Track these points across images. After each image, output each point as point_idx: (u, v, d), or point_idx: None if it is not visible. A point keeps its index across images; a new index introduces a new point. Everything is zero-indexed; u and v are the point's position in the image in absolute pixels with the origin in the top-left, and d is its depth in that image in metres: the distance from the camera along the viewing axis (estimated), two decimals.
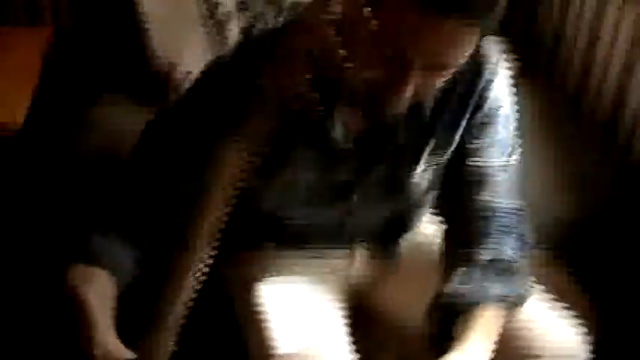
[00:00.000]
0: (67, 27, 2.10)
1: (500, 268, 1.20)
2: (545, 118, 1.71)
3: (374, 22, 0.94)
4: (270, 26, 1.51)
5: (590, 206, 1.59)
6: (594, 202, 1.60)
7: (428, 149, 1.19)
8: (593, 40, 1.81)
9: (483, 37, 1.00)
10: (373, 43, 0.96)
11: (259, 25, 1.72)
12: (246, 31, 1.74)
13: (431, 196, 1.33)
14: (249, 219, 1.22)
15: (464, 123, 1.20)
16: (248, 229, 1.25)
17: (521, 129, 1.25)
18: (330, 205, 1.23)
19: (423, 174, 1.23)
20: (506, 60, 1.20)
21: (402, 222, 1.34)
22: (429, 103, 1.14)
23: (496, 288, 1.18)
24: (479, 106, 1.19)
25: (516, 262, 1.22)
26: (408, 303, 1.32)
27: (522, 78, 1.45)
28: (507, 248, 1.22)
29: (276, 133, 1.05)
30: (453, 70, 1.03)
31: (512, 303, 1.19)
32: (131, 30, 1.77)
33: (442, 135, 1.19)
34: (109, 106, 1.77)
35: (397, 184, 1.23)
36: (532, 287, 1.22)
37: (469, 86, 1.17)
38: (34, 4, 2.35)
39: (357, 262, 1.36)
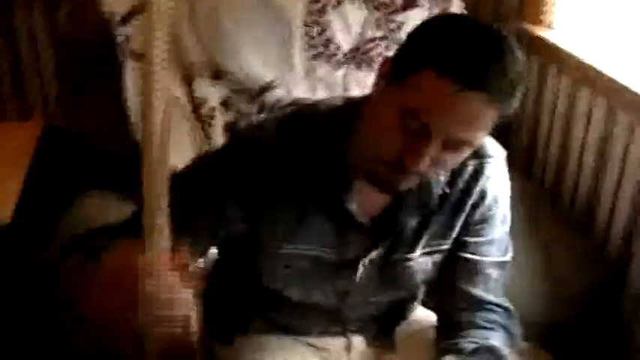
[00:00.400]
0: (57, 123, 2.18)
1: (486, 358, 1.23)
2: (525, 217, 1.76)
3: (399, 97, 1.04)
4: (254, 121, 1.60)
5: (569, 305, 1.63)
6: (572, 301, 1.63)
7: (426, 236, 1.24)
8: (567, 138, 1.89)
9: (498, 121, 1.06)
10: (390, 120, 1.04)
11: (242, 121, 1.81)
12: (230, 127, 1.80)
13: (425, 287, 1.38)
14: (248, 292, 1.27)
15: (462, 216, 1.25)
16: (244, 304, 1.30)
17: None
18: (331, 281, 1.25)
19: (419, 260, 1.26)
20: (504, 161, 1.27)
21: (397, 310, 1.38)
22: (435, 189, 1.20)
23: None
24: (478, 204, 1.25)
25: (502, 353, 1.24)
26: None
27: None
28: (494, 340, 1.25)
29: (297, 207, 1.16)
30: (468, 151, 1.09)
31: None
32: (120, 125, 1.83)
33: (441, 225, 1.25)
34: (96, 199, 1.81)
35: (394, 268, 1.26)
36: None
37: (470, 181, 1.23)
38: (25, 101, 2.45)
39: (353, 352, 1.38)
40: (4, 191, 1.73)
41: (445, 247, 1.28)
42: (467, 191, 1.24)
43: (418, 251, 1.26)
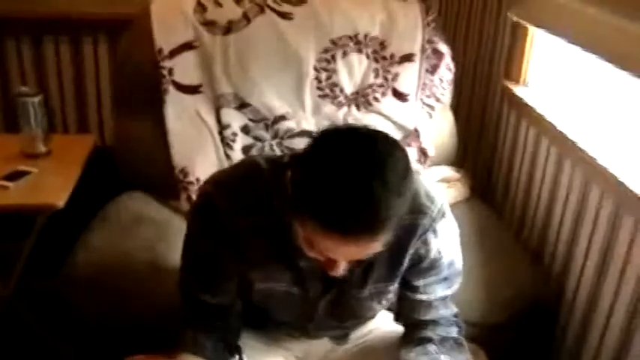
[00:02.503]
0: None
1: (450, 345, 1.42)
2: (474, 231, 2.03)
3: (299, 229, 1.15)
4: (268, 151, 1.86)
5: (503, 308, 1.88)
6: (507, 305, 1.88)
7: (371, 280, 1.36)
8: (531, 179, 2.20)
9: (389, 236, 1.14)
10: (304, 242, 1.17)
11: (258, 146, 2.17)
12: (246, 151, 2.17)
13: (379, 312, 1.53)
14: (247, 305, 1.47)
15: (404, 264, 1.35)
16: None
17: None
18: (299, 310, 1.42)
19: (369, 298, 1.40)
20: (445, 209, 1.33)
21: (355, 327, 1.56)
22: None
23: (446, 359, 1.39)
24: (420, 259, 1.35)
25: (461, 341, 1.45)
26: None
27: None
28: (452, 331, 1.45)
29: (264, 255, 1.30)
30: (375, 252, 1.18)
31: None
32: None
33: (384, 270, 1.35)
34: (138, 197, 2.18)
35: (348, 304, 1.41)
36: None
37: (406, 234, 1.29)
38: (85, 118, 2.86)
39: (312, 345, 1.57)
40: (62, 185, 2.11)
41: (391, 287, 1.40)
42: (404, 244, 1.31)
43: (367, 291, 1.38)
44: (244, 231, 1.30)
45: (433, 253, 1.35)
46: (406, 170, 1.12)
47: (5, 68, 2.81)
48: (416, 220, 1.29)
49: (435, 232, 1.33)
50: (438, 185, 2.00)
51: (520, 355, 1.90)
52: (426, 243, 1.33)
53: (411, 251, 1.33)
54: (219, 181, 1.36)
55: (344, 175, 1.07)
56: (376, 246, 1.13)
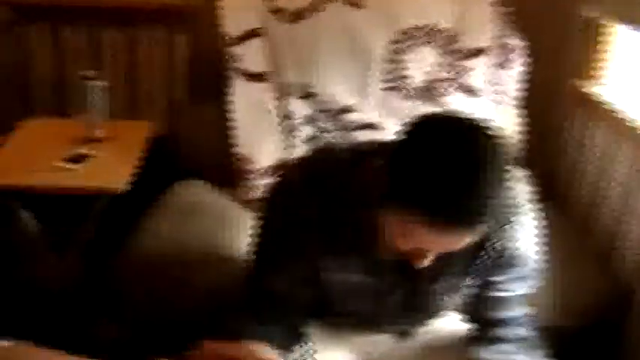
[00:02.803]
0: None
1: (526, 346, 1.38)
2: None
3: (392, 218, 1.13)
4: (332, 140, 1.83)
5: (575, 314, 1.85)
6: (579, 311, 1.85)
7: (447, 276, 1.33)
8: (599, 181, 2.16)
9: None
10: (395, 232, 1.15)
11: (322, 137, 2.14)
12: (310, 142, 2.14)
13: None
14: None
15: (480, 263, 1.32)
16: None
17: None
18: (370, 302, 1.39)
19: (442, 294, 1.37)
20: (529, 204, 1.41)
21: (423, 321, 1.54)
22: None
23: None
24: (500, 254, 1.32)
25: (536, 341, 1.40)
26: None
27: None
28: (526, 330, 1.41)
29: (339, 246, 1.28)
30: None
31: None
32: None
33: (461, 267, 1.33)
34: (194, 185, 2.16)
35: (420, 299, 1.38)
36: None
37: (484, 235, 1.24)
38: (135, 105, 2.84)
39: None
40: (122, 169, 2.12)
41: (468, 283, 1.37)
42: (483, 239, 1.26)
43: (441, 286, 1.36)
44: (321, 218, 1.28)
45: (513, 249, 1.32)
46: (508, 163, 1.11)
47: (61, 56, 2.79)
48: (497, 227, 1.28)
49: (516, 226, 1.31)
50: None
51: None
52: (507, 237, 1.31)
53: (491, 245, 1.31)
54: (300, 168, 1.35)
55: (453, 163, 1.04)
56: (471, 238, 1.12)
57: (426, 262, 1.18)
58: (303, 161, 1.40)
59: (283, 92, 2.15)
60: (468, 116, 1.14)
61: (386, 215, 1.15)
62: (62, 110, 2.84)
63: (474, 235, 1.11)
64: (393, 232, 1.16)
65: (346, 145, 1.36)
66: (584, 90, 2.23)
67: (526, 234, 1.33)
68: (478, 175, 1.04)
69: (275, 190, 1.37)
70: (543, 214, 2.11)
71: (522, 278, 1.38)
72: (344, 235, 1.29)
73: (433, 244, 1.15)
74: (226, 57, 2.10)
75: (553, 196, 2.38)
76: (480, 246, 1.29)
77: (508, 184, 1.18)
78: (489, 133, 1.11)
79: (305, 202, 1.28)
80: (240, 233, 1.93)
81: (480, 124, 1.12)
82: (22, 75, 2.83)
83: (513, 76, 2.25)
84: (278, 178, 1.37)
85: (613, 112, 2.06)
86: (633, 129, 1.93)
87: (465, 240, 1.12)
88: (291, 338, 1.36)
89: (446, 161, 1.05)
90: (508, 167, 1.10)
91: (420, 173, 1.06)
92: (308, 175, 1.31)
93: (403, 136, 1.12)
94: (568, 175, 2.35)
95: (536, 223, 1.40)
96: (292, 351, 1.34)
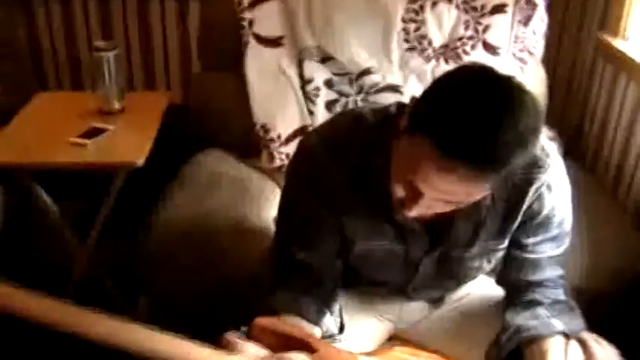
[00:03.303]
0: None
1: (561, 308, 1.34)
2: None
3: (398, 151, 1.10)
4: (350, 106, 1.78)
5: (609, 275, 1.78)
6: (614, 272, 1.79)
7: (481, 239, 1.30)
8: (629, 140, 2.08)
9: (494, 183, 1.07)
10: (396, 170, 1.13)
11: (342, 101, 2.09)
12: (330, 107, 2.09)
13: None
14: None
15: (516, 222, 1.28)
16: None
17: None
18: (399, 270, 1.37)
19: (475, 259, 1.34)
20: (559, 165, 1.28)
21: (455, 288, 1.52)
22: (482, 201, 1.21)
23: (560, 324, 1.31)
24: (533, 215, 1.28)
25: (573, 305, 1.36)
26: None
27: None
28: (560, 294, 1.37)
29: (365, 213, 1.24)
30: (463, 205, 1.13)
31: (572, 336, 1.30)
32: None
33: (494, 229, 1.29)
34: (215, 155, 2.13)
35: (452, 265, 1.35)
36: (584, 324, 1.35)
37: (519, 192, 1.24)
38: (152, 74, 2.81)
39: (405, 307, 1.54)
40: (139, 142, 2.06)
41: (501, 246, 1.34)
42: (517, 201, 1.26)
43: (474, 251, 1.32)
44: (346, 186, 1.24)
45: (546, 210, 1.28)
46: (536, 130, 1.05)
47: (72, 27, 2.76)
48: (532, 174, 1.24)
49: (549, 187, 1.26)
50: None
51: (620, 325, 1.79)
52: (540, 198, 1.26)
53: (524, 207, 1.27)
54: (323, 135, 1.29)
55: (476, 102, 1.01)
56: (468, 188, 1.06)
57: (416, 212, 1.13)
58: (324, 127, 1.35)
59: (300, 57, 2.09)
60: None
61: (398, 149, 1.12)
62: (77, 83, 2.82)
63: (478, 184, 1.06)
64: (397, 168, 1.12)
65: (369, 108, 1.30)
66: (612, 45, 2.14)
67: (558, 194, 1.29)
68: (502, 119, 1.00)
69: (296, 160, 1.32)
70: (573, 174, 2.09)
71: (555, 239, 1.34)
72: (371, 202, 1.25)
73: (433, 185, 1.07)
74: (240, 22, 2.05)
75: (583, 155, 2.33)
76: (513, 207, 1.26)
77: (534, 139, 1.12)
78: (526, 91, 1.06)
79: (328, 170, 1.24)
80: (264, 203, 1.91)
81: (518, 81, 1.07)
82: (34, 50, 2.80)
83: (537, 32, 2.17)
84: (299, 147, 1.33)
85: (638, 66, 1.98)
86: None
87: (467, 188, 1.06)
88: (322, 311, 1.32)
89: (474, 100, 1.01)
90: (537, 131, 1.05)
91: (444, 105, 1.02)
92: (330, 142, 1.26)
93: (440, 77, 1.08)
94: (597, 134, 2.28)
95: (567, 183, 1.31)
96: (322, 325, 1.30)
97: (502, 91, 1.03)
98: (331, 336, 1.32)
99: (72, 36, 2.77)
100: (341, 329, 1.35)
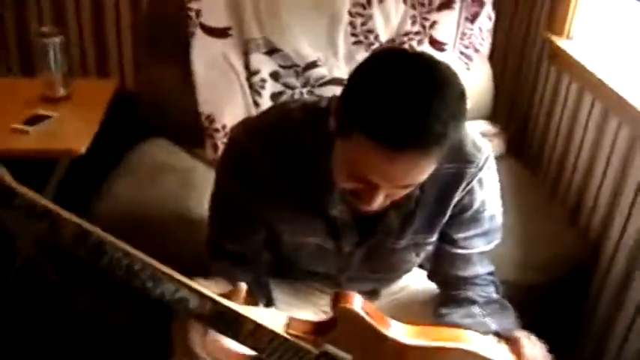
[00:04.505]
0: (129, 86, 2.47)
1: (494, 308, 1.36)
2: (511, 190, 1.96)
3: (340, 153, 1.10)
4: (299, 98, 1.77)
5: (538, 270, 1.82)
6: (542, 266, 1.82)
7: (410, 231, 1.31)
8: (570, 137, 2.12)
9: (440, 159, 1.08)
10: (342, 169, 1.12)
11: (287, 94, 2.09)
12: (275, 99, 2.09)
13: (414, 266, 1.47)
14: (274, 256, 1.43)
15: (445, 216, 1.30)
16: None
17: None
18: (332, 262, 1.37)
19: (405, 251, 1.35)
20: (491, 160, 1.29)
21: (389, 281, 1.53)
22: (411, 197, 1.24)
23: (493, 324, 1.32)
24: (463, 209, 1.30)
25: (506, 303, 1.38)
26: None
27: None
28: (491, 291, 1.39)
29: (294, 207, 1.25)
30: (417, 185, 1.14)
31: (504, 335, 1.31)
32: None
33: (424, 222, 1.30)
34: (159, 144, 2.12)
35: (384, 256, 1.36)
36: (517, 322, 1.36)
37: (449, 185, 1.26)
38: (105, 62, 2.78)
39: None
40: (83, 130, 2.04)
41: (430, 240, 1.35)
42: (446, 194, 1.27)
43: (404, 242, 1.33)
44: (275, 180, 1.24)
45: (477, 204, 1.30)
46: (463, 95, 1.06)
47: (23, 9, 2.71)
48: (462, 168, 1.25)
49: (480, 182, 1.28)
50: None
51: (552, 316, 1.83)
52: (470, 193, 1.28)
53: (454, 201, 1.28)
54: (249, 128, 1.29)
55: (402, 87, 1.01)
56: (419, 169, 1.07)
57: (376, 205, 1.12)
58: (253, 122, 1.35)
59: (247, 48, 2.09)
60: (428, 53, 1.12)
61: (335, 152, 1.12)
62: (29, 69, 2.78)
63: (423, 164, 1.06)
64: (341, 167, 1.12)
65: (300, 103, 1.31)
66: (556, 44, 2.17)
67: (489, 189, 1.31)
68: (430, 99, 1.00)
69: (225, 153, 1.32)
70: (514, 171, 2.12)
71: (486, 234, 1.36)
72: (298, 195, 1.26)
73: (382, 176, 1.07)
74: (187, 12, 2.04)
75: (526, 152, 2.37)
76: (442, 200, 1.27)
77: (464, 138, 1.18)
78: (447, 67, 1.07)
79: (257, 165, 1.24)
80: (206, 194, 1.89)
81: (438, 60, 1.08)
82: None
83: (484, 29, 2.19)
84: (228, 141, 1.33)
85: (582, 67, 2.01)
86: (603, 85, 1.88)
87: (415, 170, 1.07)
88: (256, 286, 1.33)
89: (399, 85, 1.01)
90: (465, 101, 1.06)
91: (370, 95, 1.02)
92: (256, 136, 1.26)
93: (361, 64, 1.09)
94: (540, 132, 2.31)
95: (497, 178, 1.33)
96: (261, 303, 1.32)
97: (421, 69, 1.03)
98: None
99: (22, 20, 2.73)
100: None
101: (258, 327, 1.10)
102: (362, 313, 1.15)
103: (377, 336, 1.17)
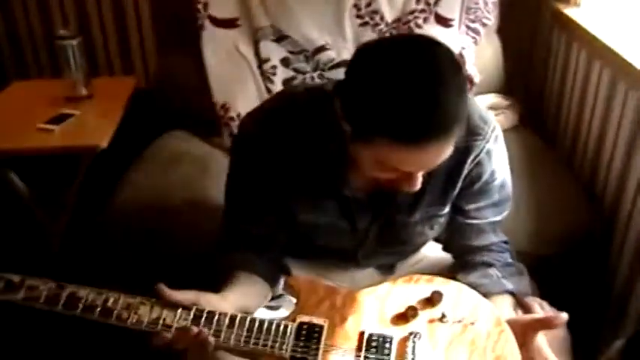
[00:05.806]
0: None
1: (511, 271, 1.39)
2: (526, 163, 1.97)
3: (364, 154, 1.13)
4: (308, 82, 1.82)
5: (553, 241, 1.82)
6: (556, 237, 1.83)
7: (423, 204, 1.33)
8: (582, 105, 2.11)
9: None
10: (371, 166, 1.14)
11: (298, 79, 2.13)
12: (287, 84, 2.13)
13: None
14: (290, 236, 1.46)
15: (456, 188, 1.33)
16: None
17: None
18: (347, 239, 1.40)
19: (419, 224, 1.37)
20: (498, 132, 1.30)
21: (404, 254, 1.53)
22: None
23: (510, 284, 1.36)
24: (475, 179, 1.32)
25: (523, 269, 1.41)
26: None
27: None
28: (507, 258, 1.41)
29: (308, 188, 1.29)
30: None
31: (519, 297, 1.35)
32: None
33: (436, 195, 1.33)
34: (180, 135, 2.20)
35: (398, 230, 1.38)
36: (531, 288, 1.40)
37: (459, 158, 1.26)
38: (129, 59, 2.86)
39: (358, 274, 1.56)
40: (104, 126, 2.15)
41: (443, 212, 1.37)
42: (456, 167, 1.29)
43: (417, 217, 1.36)
44: (284, 164, 1.28)
45: (486, 176, 1.32)
46: (458, 67, 1.10)
47: (48, 12, 2.81)
48: (470, 141, 1.27)
49: (488, 153, 1.30)
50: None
51: (571, 286, 1.84)
52: (479, 165, 1.30)
53: (464, 174, 1.31)
54: (254, 116, 1.34)
55: (407, 86, 1.04)
56: (447, 150, 1.11)
57: (418, 185, 1.17)
58: (256, 110, 1.38)
59: (256, 37, 2.14)
60: (413, 36, 1.18)
61: (358, 152, 1.15)
62: (55, 71, 2.88)
63: (448, 146, 1.10)
64: (371, 166, 1.15)
65: (305, 87, 1.36)
66: (565, 13, 2.16)
67: (497, 160, 1.33)
68: (435, 90, 1.04)
69: (237, 140, 1.37)
70: (530, 143, 2.12)
71: (496, 204, 1.38)
72: (310, 177, 1.30)
73: (414, 166, 1.13)
74: (195, 5, 2.10)
75: (541, 121, 2.37)
76: (452, 174, 1.30)
77: (470, 111, 1.20)
78: (439, 45, 1.10)
79: (263, 149, 1.28)
80: (223, 180, 1.96)
81: (419, 37, 1.12)
82: (12, 38, 2.87)
83: (489, 2, 2.20)
84: (239, 128, 1.38)
85: (589, 34, 2.00)
86: (611, 51, 1.87)
87: (443, 153, 1.11)
88: (273, 267, 1.38)
89: (404, 85, 1.04)
90: (462, 73, 1.10)
91: (381, 102, 1.05)
92: (262, 123, 1.30)
93: (358, 66, 1.11)
94: (555, 102, 2.30)
95: (505, 149, 1.35)
96: (278, 283, 1.37)
97: (416, 62, 1.06)
98: (280, 296, 1.39)
99: (48, 22, 2.83)
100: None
101: (233, 318, 1.18)
102: (312, 278, 1.26)
103: (333, 291, 1.29)
